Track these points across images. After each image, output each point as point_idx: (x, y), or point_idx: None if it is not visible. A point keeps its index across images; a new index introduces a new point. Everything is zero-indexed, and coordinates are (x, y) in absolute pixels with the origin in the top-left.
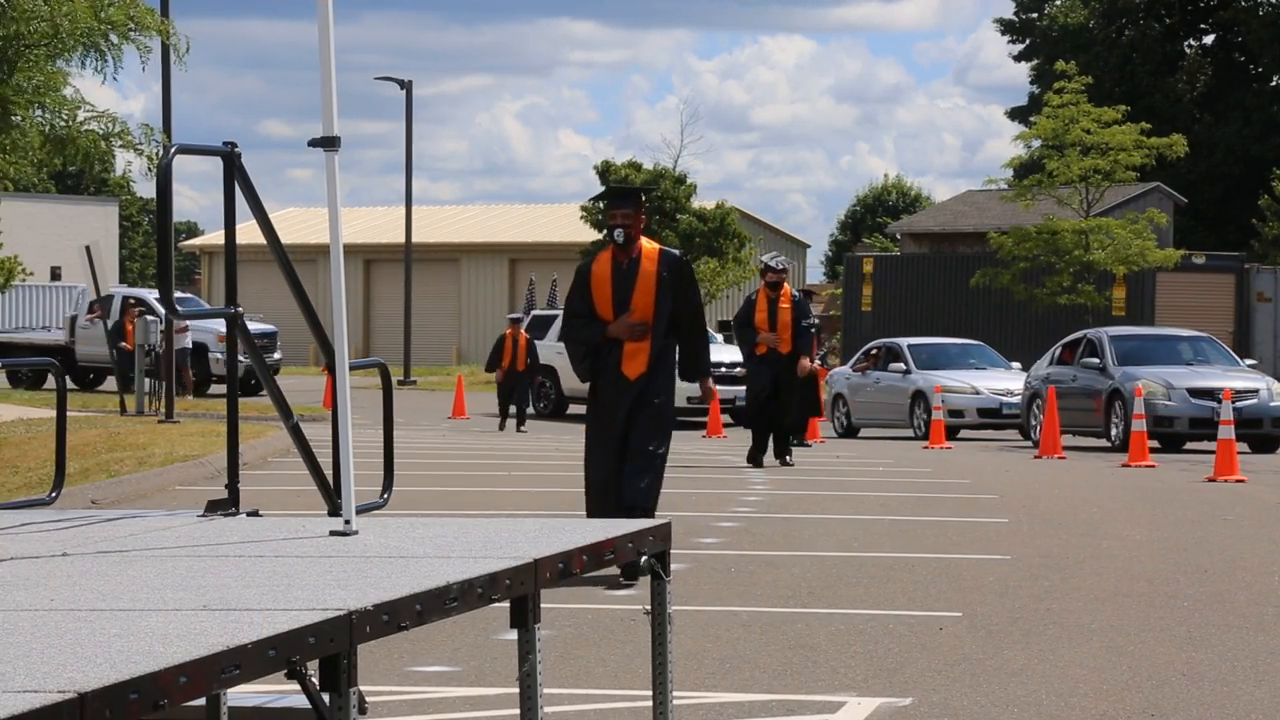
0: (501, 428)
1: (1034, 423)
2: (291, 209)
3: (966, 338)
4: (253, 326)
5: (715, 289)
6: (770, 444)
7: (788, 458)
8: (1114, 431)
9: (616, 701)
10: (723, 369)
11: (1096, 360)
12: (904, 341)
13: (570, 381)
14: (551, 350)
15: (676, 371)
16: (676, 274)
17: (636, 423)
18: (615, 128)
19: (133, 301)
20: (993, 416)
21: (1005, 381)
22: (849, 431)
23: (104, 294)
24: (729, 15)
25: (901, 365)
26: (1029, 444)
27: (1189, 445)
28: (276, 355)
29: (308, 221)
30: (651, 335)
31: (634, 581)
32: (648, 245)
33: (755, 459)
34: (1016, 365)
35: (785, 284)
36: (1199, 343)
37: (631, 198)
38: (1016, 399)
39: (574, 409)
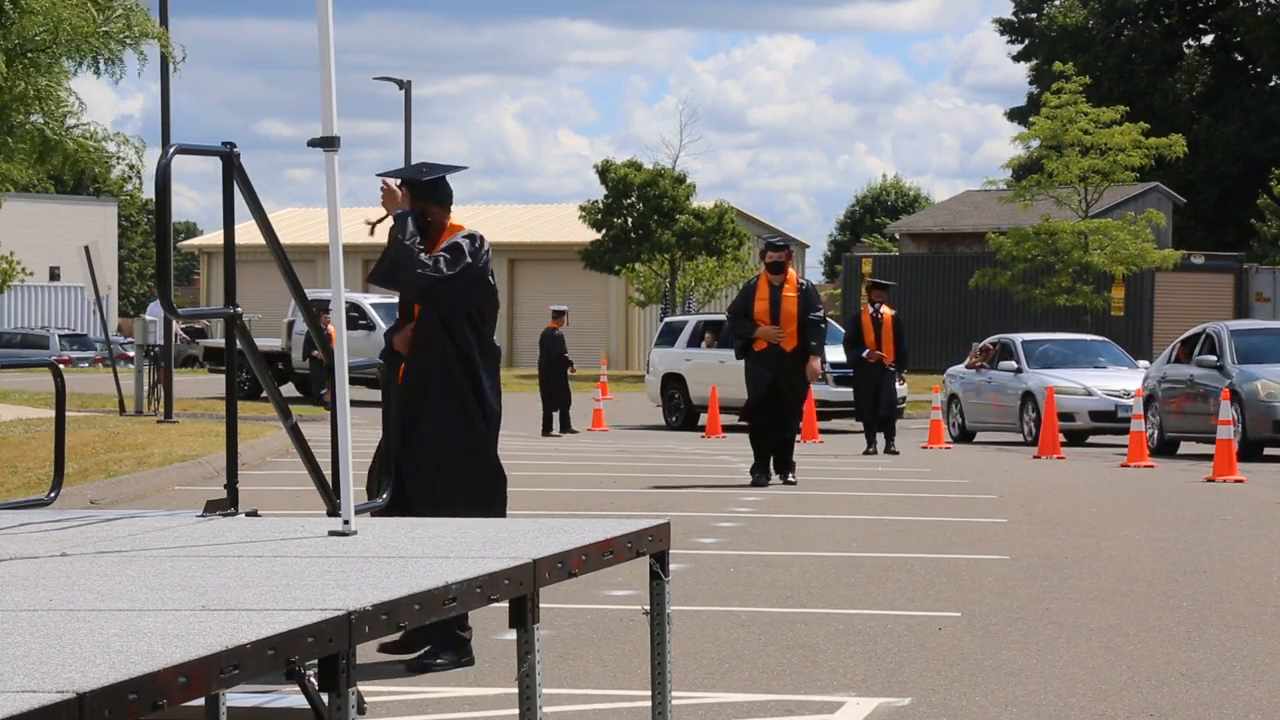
0: (548, 432)
1: (1150, 430)
2: (290, 209)
3: (963, 338)
4: None
5: (714, 288)
6: (774, 458)
7: (790, 475)
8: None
9: (615, 701)
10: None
11: (1214, 358)
12: (1017, 337)
13: (699, 390)
14: (679, 358)
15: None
16: None
17: (411, 464)
18: (614, 128)
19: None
20: (1107, 420)
21: (1127, 382)
22: (964, 436)
23: (102, 295)
24: (728, 15)
25: (1013, 363)
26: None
27: None
28: None
29: (306, 221)
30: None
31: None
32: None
33: (757, 477)
34: (1144, 364)
35: (790, 268)
36: None
37: (404, 183)
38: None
39: (705, 419)
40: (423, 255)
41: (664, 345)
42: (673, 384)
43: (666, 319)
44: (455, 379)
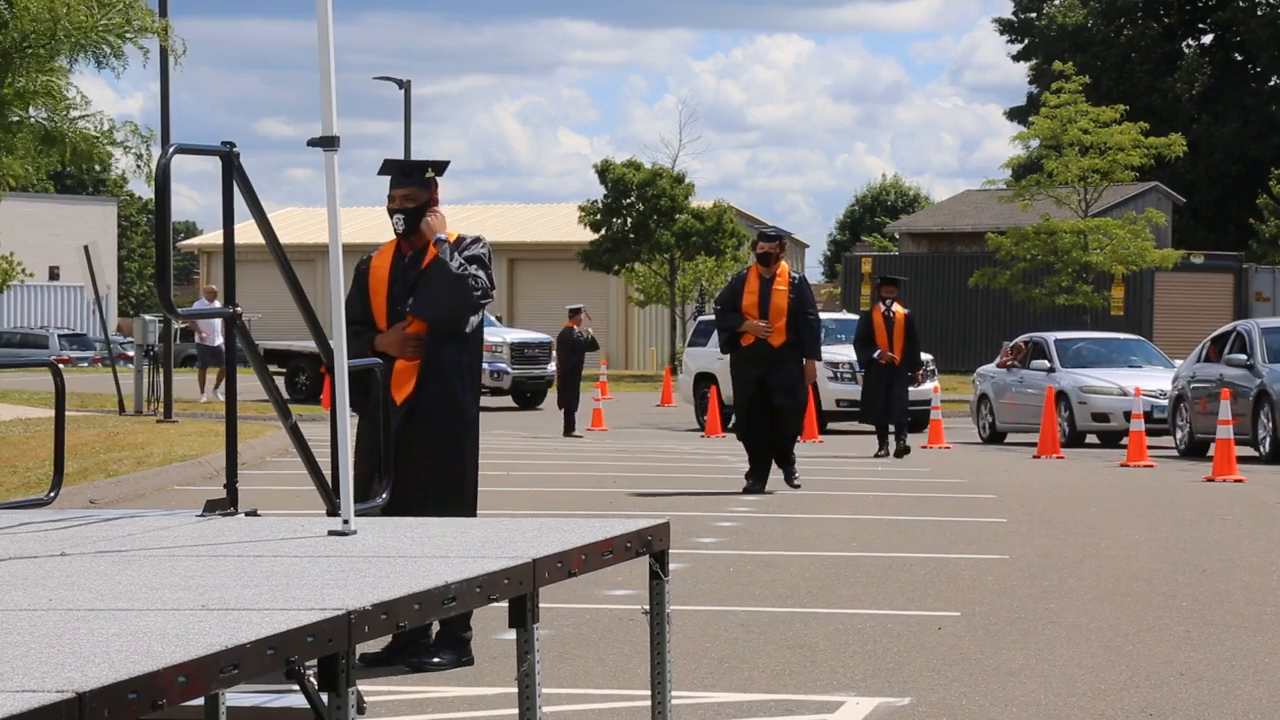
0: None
1: (1180, 431)
2: (290, 209)
3: (963, 337)
4: (526, 336)
5: (713, 287)
6: (776, 462)
7: (794, 480)
8: (1262, 437)
9: (615, 701)
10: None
11: (1244, 356)
12: (1050, 336)
13: (730, 389)
14: (711, 357)
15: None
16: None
17: (409, 473)
18: (614, 127)
19: None
20: (1144, 421)
21: (1163, 382)
22: (994, 437)
23: (102, 294)
24: (728, 15)
25: (1045, 362)
26: (1174, 453)
27: None
28: (550, 367)
29: (306, 221)
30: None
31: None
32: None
33: (753, 484)
34: (1180, 363)
35: (782, 261)
36: None
37: (415, 174)
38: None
39: (734, 419)
40: (470, 281)
41: (697, 345)
42: (705, 384)
43: (700, 317)
44: (461, 372)
